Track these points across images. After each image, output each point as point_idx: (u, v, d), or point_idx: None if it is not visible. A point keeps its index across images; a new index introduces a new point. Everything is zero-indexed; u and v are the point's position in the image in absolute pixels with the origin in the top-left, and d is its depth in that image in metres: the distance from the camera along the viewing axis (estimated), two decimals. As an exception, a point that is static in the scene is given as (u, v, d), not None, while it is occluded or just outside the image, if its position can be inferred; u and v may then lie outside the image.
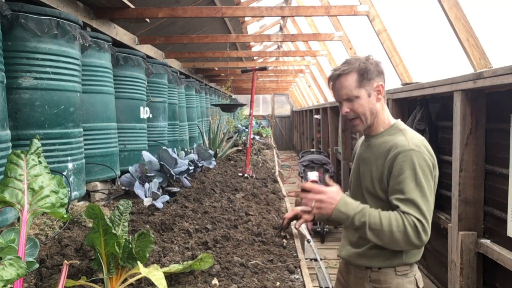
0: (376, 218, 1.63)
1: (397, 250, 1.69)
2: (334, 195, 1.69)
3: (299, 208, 2.23)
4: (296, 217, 2.33)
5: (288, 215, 2.40)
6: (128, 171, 3.47)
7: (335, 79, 1.78)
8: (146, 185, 3.19)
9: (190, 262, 1.82)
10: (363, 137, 1.98)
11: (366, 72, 1.73)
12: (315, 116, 12.48)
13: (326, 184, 1.74)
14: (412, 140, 1.70)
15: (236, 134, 8.64)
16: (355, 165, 1.93)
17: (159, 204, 2.96)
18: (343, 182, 8.11)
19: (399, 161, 1.66)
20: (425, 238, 1.60)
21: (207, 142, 6.35)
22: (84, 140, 3.01)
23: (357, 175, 1.87)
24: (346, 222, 1.68)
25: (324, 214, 1.72)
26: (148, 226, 2.50)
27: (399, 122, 1.84)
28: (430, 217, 1.63)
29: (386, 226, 1.60)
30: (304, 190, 1.76)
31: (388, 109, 1.85)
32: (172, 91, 5.44)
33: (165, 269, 1.72)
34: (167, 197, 3.11)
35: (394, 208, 1.66)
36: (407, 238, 1.59)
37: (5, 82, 2.19)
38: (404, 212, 1.61)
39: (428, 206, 1.63)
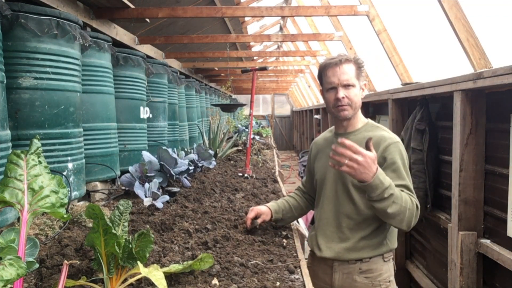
0: (398, 192, 1.69)
1: (398, 227, 1.79)
2: (372, 161, 1.62)
3: (257, 208, 2.31)
4: (256, 216, 2.34)
5: (250, 215, 2.35)
6: (128, 171, 3.47)
7: (337, 64, 1.85)
8: (146, 185, 3.19)
9: (190, 262, 1.82)
10: (323, 138, 2.08)
11: (360, 67, 1.88)
12: (315, 116, 12.48)
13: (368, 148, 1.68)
14: (393, 134, 1.88)
15: (236, 134, 8.64)
16: (324, 163, 1.99)
17: (159, 204, 2.96)
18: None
19: (390, 151, 1.79)
20: (417, 220, 1.77)
21: (207, 142, 6.35)
22: (84, 140, 3.02)
23: (335, 173, 1.92)
24: (376, 191, 1.62)
25: (355, 176, 1.64)
26: (148, 226, 2.50)
27: (371, 120, 1.99)
28: None
29: (404, 202, 1.68)
30: (342, 146, 1.67)
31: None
32: (172, 91, 5.44)
33: (165, 269, 1.72)
34: (167, 197, 3.11)
35: None
36: (412, 216, 1.71)
37: (5, 82, 2.19)
38: (408, 195, 1.75)
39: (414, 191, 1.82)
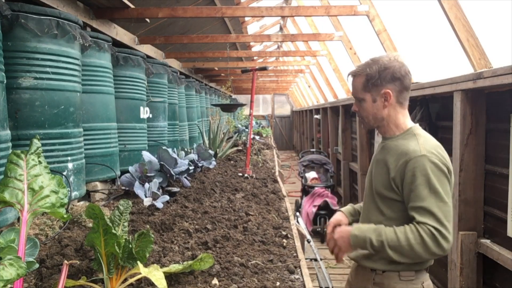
0: (392, 234, 1.60)
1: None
2: (343, 228, 1.75)
3: (333, 218, 2.07)
4: (336, 226, 2.06)
5: (329, 230, 2.04)
6: (128, 171, 3.47)
7: (349, 78, 1.84)
8: (146, 185, 3.19)
9: (190, 262, 1.82)
10: (381, 139, 1.96)
11: (372, 78, 1.73)
12: (315, 116, 12.48)
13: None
14: (424, 145, 1.67)
15: (236, 134, 8.64)
16: (370, 167, 1.91)
17: (159, 204, 2.96)
18: (343, 182, 8.11)
19: (410, 168, 1.63)
20: (446, 245, 1.56)
21: (207, 142, 6.35)
22: (84, 140, 3.01)
23: (370, 176, 1.86)
24: (365, 245, 1.65)
25: (344, 249, 1.74)
26: (148, 226, 2.50)
27: (416, 127, 1.79)
28: (449, 222, 1.58)
29: (403, 240, 1.57)
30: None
31: (406, 112, 1.82)
32: (172, 91, 5.44)
33: (165, 269, 1.72)
34: (167, 197, 3.11)
35: (409, 217, 1.64)
36: (427, 248, 1.55)
37: (5, 82, 2.19)
38: (419, 223, 1.58)
39: (446, 212, 1.58)
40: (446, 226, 1.56)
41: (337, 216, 1.99)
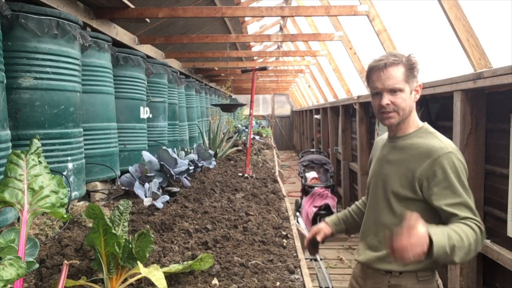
0: (455, 234, 1.48)
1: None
2: (421, 232, 1.42)
3: (315, 227, 2.06)
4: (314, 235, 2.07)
5: (308, 237, 2.07)
6: (128, 171, 3.47)
7: (381, 68, 1.69)
8: (146, 185, 3.19)
9: (190, 262, 1.82)
10: (382, 139, 1.91)
11: (413, 68, 1.70)
12: (315, 116, 12.48)
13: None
14: (447, 142, 1.66)
15: (236, 134, 8.64)
16: (377, 167, 1.85)
17: (159, 204, 2.96)
18: (343, 182, 8.11)
19: (441, 164, 1.59)
20: (484, 236, 1.57)
21: (207, 142, 6.35)
22: (84, 140, 3.02)
23: (380, 177, 1.80)
24: (444, 256, 1.45)
25: (419, 258, 1.42)
26: (148, 226, 2.50)
27: (427, 125, 1.78)
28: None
29: (465, 239, 1.48)
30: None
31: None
32: (172, 91, 5.44)
33: (165, 269, 1.72)
34: (167, 197, 3.11)
35: (444, 213, 1.60)
36: (479, 242, 1.52)
37: (5, 82, 2.19)
38: (464, 218, 1.55)
39: (475, 207, 1.60)
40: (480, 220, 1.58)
41: (320, 225, 1.99)
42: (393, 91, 1.68)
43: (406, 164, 1.70)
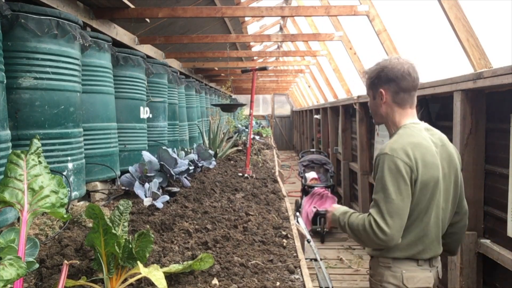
0: (353, 219, 1.88)
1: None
2: (334, 206, 2.06)
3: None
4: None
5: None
6: (128, 171, 3.47)
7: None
8: (146, 185, 3.19)
9: (190, 262, 1.82)
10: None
11: (370, 78, 1.96)
12: (315, 116, 12.48)
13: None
14: (392, 144, 1.81)
15: (236, 134, 8.64)
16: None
17: (159, 204, 2.96)
18: (343, 182, 8.11)
19: (377, 164, 1.83)
20: (382, 236, 1.73)
21: (207, 142, 6.35)
22: (84, 140, 3.01)
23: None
24: (336, 223, 1.98)
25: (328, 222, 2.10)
26: (148, 226, 2.50)
27: (406, 126, 1.91)
28: (392, 217, 1.73)
29: (355, 225, 1.84)
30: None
31: (407, 112, 1.93)
32: (172, 91, 5.44)
33: (165, 269, 1.72)
34: (167, 197, 3.11)
35: None
36: (368, 236, 1.78)
37: (5, 82, 2.19)
38: (369, 213, 1.80)
39: (390, 208, 1.73)
40: (386, 220, 1.73)
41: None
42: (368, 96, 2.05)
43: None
